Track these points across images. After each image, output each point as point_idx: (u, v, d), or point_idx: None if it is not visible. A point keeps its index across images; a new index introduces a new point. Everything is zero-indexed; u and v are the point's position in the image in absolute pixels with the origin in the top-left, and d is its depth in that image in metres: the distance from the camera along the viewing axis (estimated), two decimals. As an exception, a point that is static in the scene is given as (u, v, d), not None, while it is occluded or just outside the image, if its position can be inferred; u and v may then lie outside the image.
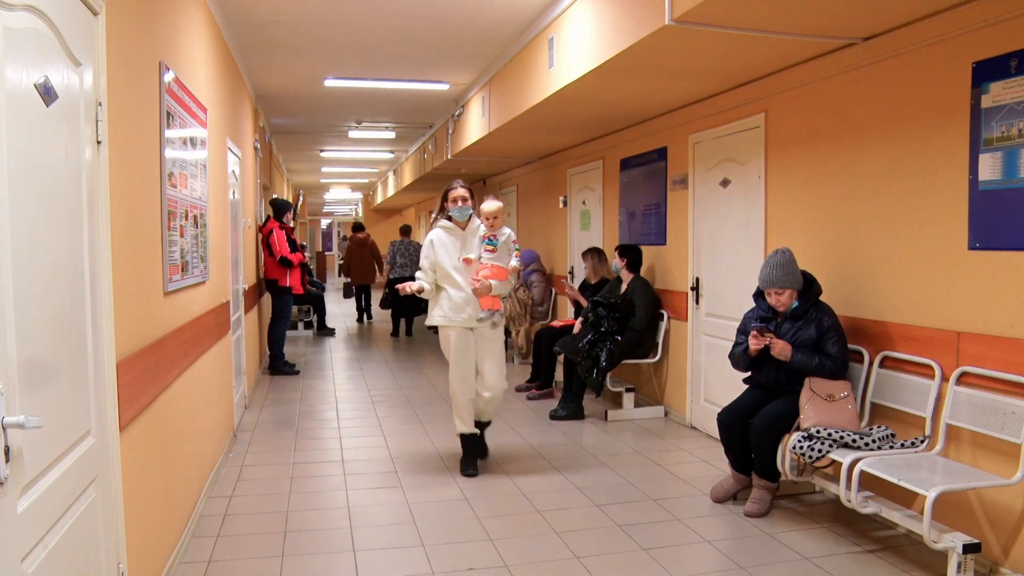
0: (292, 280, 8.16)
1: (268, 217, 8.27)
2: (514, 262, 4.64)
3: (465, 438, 4.74)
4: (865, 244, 4.00)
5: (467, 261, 4.55)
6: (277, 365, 8.23)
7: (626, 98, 5.46)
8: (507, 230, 4.64)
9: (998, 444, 3.20)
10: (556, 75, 5.09)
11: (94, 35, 2.30)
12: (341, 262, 13.71)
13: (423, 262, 4.67)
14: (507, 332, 8.78)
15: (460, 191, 4.63)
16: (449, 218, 4.66)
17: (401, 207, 21.86)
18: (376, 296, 13.36)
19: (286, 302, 8.23)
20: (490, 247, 4.55)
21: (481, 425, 4.82)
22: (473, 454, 4.76)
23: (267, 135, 9.62)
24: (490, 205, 4.59)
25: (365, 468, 4.84)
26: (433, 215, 4.81)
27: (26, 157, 1.77)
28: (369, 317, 13.44)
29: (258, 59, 6.43)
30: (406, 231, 12.05)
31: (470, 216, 4.66)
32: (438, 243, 4.63)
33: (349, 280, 13.08)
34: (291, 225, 8.53)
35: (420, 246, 12.06)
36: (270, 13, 5.14)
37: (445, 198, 4.67)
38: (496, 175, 11.73)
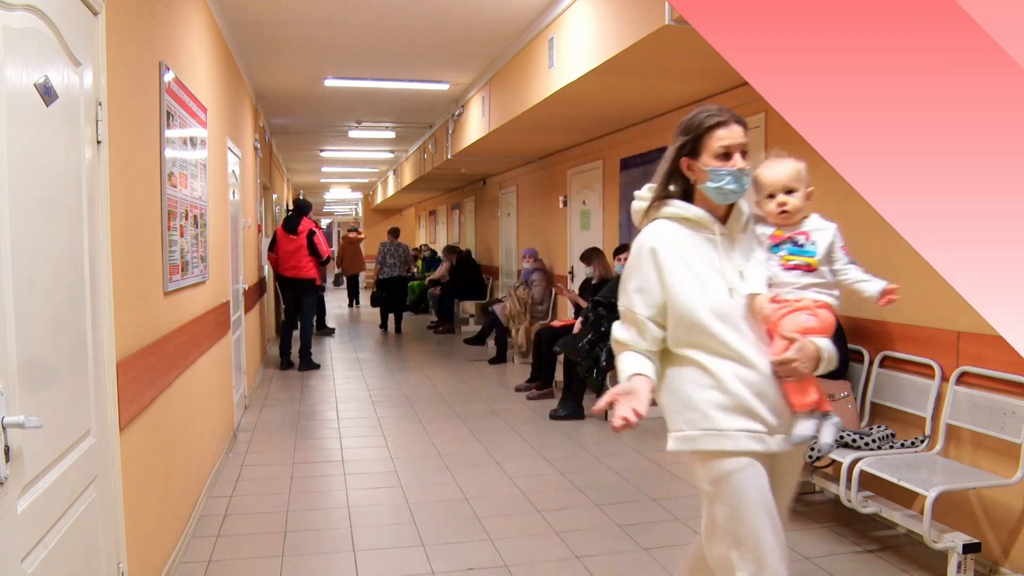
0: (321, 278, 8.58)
1: (300, 217, 8.38)
2: (871, 286, 2.32)
3: None
4: (864, 243, 3.99)
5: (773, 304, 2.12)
6: (307, 361, 8.40)
7: (626, 98, 5.46)
8: (821, 221, 2.29)
9: (998, 444, 3.20)
10: (556, 75, 5.08)
11: (94, 35, 2.31)
12: (337, 257, 16.72)
13: (631, 300, 2.12)
14: (507, 331, 8.79)
15: (736, 129, 2.12)
16: (687, 196, 2.17)
17: (401, 207, 21.85)
18: (365, 293, 16.00)
19: (318, 299, 8.51)
20: (798, 259, 2.22)
21: None
22: None
23: (267, 135, 9.63)
24: (779, 166, 2.22)
25: (365, 468, 4.83)
26: (648, 196, 2.28)
27: (26, 157, 1.77)
28: (357, 303, 16.06)
29: (258, 59, 6.43)
30: (395, 233, 12.52)
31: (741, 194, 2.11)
32: (669, 255, 2.09)
33: (341, 271, 15.54)
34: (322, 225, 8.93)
35: (407, 248, 12.72)
36: (270, 13, 5.14)
37: (696, 143, 2.11)
38: (496, 175, 11.74)
